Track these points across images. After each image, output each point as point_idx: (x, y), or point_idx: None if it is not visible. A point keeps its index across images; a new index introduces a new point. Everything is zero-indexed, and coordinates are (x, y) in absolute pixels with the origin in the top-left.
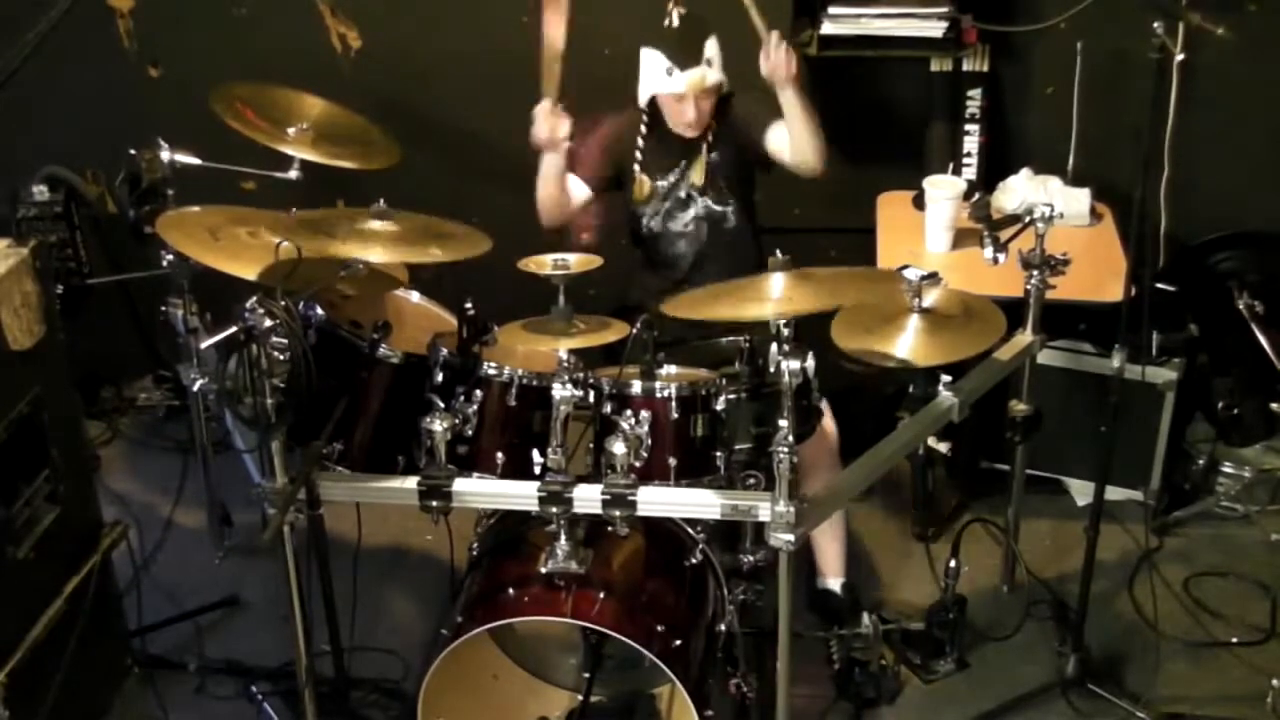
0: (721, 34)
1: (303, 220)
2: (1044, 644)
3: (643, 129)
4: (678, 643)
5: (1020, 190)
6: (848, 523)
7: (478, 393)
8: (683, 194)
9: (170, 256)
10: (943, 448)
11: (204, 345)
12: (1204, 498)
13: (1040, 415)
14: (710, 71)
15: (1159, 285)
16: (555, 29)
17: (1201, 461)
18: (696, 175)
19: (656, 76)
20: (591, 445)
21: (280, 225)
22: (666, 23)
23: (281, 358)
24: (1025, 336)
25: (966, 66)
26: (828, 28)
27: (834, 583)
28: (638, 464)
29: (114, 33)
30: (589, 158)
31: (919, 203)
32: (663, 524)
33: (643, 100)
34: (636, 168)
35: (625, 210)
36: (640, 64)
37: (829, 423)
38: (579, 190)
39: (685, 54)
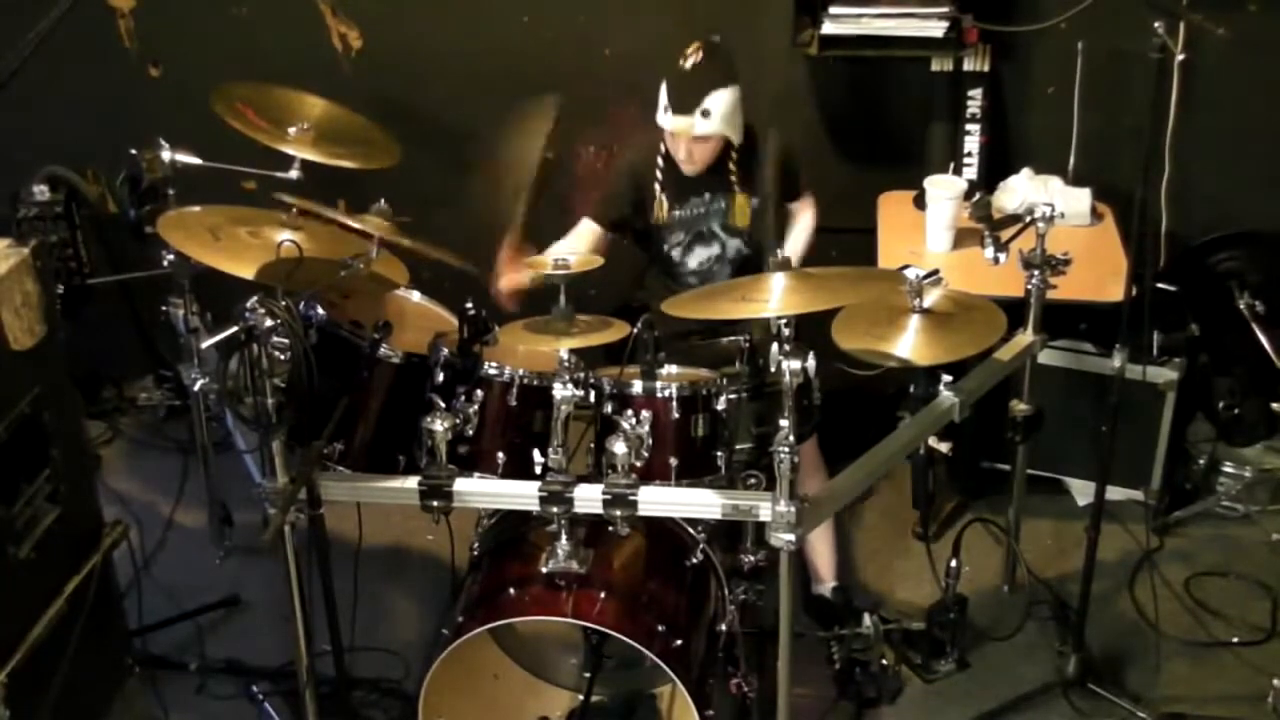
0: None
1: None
2: (1045, 644)
3: (662, 148)
4: (678, 642)
5: (1021, 190)
6: (846, 523)
7: (478, 392)
8: (705, 229)
9: (171, 256)
10: (943, 447)
11: (205, 345)
12: (1205, 498)
13: (1041, 415)
14: (702, 122)
15: (1160, 285)
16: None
17: (1202, 461)
18: (739, 218)
19: (660, 108)
20: (592, 445)
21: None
22: (681, 63)
23: (282, 357)
24: (1026, 336)
25: (967, 66)
26: (828, 27)
27: (826, 587)
28: (638, 464)
29: (114, 33)
30: (609, 189)
31: (920, 203)
32: (663, 524)
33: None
34: (657, 187)
35: (642, 226)
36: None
37: None
38: (587, 230)
39: (683, 99)
